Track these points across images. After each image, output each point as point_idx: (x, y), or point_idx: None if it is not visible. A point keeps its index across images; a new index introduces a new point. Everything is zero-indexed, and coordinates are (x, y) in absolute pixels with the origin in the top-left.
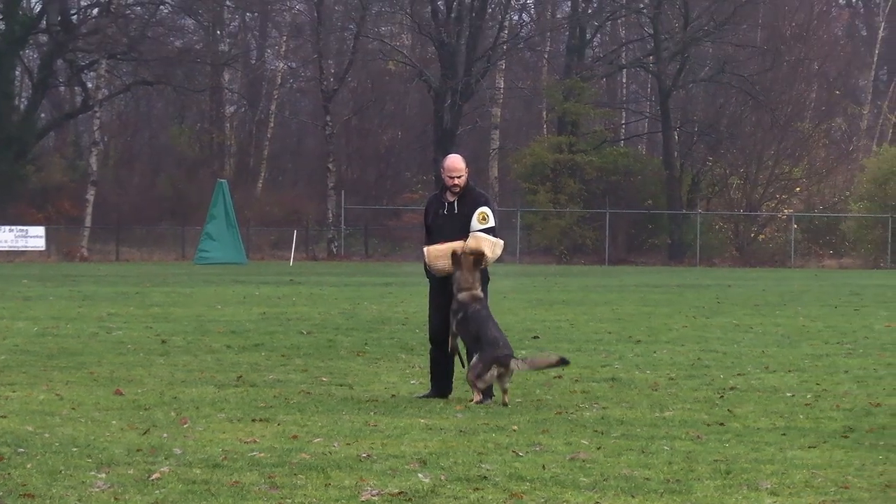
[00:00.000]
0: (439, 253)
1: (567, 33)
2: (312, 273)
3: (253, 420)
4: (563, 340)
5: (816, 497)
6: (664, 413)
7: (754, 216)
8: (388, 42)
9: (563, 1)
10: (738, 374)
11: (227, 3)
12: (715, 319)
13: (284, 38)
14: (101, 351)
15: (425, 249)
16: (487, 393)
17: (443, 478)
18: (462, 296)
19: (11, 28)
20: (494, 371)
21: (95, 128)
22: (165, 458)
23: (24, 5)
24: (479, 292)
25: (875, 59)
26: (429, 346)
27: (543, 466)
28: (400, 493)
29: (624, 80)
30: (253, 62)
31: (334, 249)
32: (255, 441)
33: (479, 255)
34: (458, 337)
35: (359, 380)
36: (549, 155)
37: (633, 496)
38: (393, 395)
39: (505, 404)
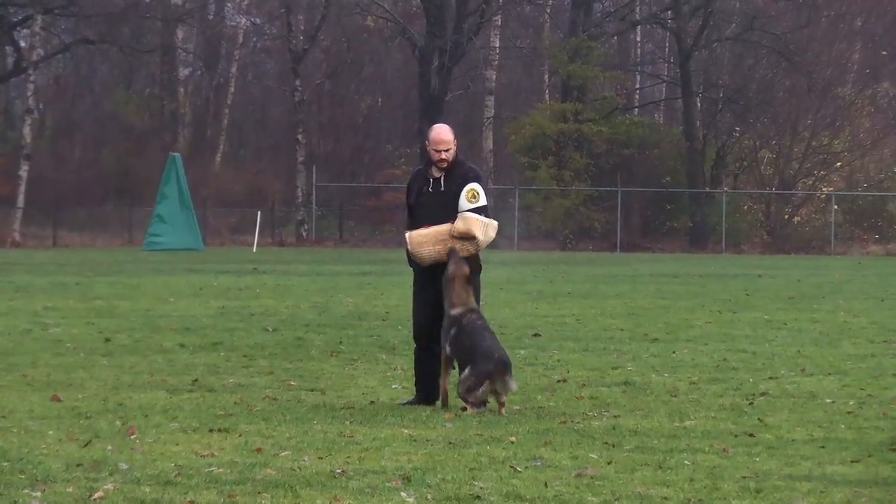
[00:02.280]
0: (424, 238)
1: None
2: (279, 261)
3: (210, 430)
4: (567, 339)
5: None
6: (685, 422)
7: (788, 195)
8: None
9: None
10: (770, 378)
11: None
12: (743, 314)
13: None
14: (36, 350)
15: (408, 235)
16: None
17: (429, 497)
18: (455, 311)
19: None
20: (488, 387)
21: (29, 93)
22: (110, 474)
23: None
24: (473, 304)
25: None
26: (413, 345)
27: (546, 484)
28: None
29: (638, 39)
30: (210, 17)
31: (304, 233)
32: (212, 454)
33: (467, 274)
34: (452, 360)
35: (332, 384)
36: (551, 125)
37: None
38: (372, 402)
39: (501, 413)
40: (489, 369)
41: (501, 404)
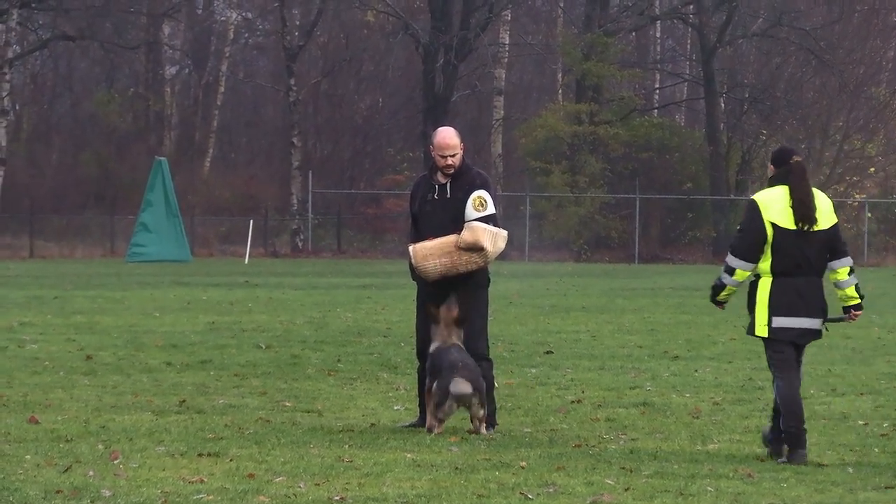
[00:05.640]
0: (429, 251)
1: None
2: (272, 273)
3: (199, 454)
4: (582, 356)
5: None
6: (707, 446)
7: None
8: None
9: None
10: None
11: None
12: None
13: None
14: (11, 369)
15: (411, 248)
16: (491, 422)
17: None
18: (432, 347)
19: None
20: (453, 403)
21: (5, 94)
22: (91, 502)
23: None
24: (454, 341)
25: None
26: (416, 363)
27: None
28: None
29: (658, 35)
30: (199, 12)
31: (299, 243)
32: (201, 480)
33: (456, 318)
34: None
35: (330, 405)
36: (565, 127)
37: None
38: (372, 424)
39: (476, 431)
40: (450, 379)
41: (480, 420)
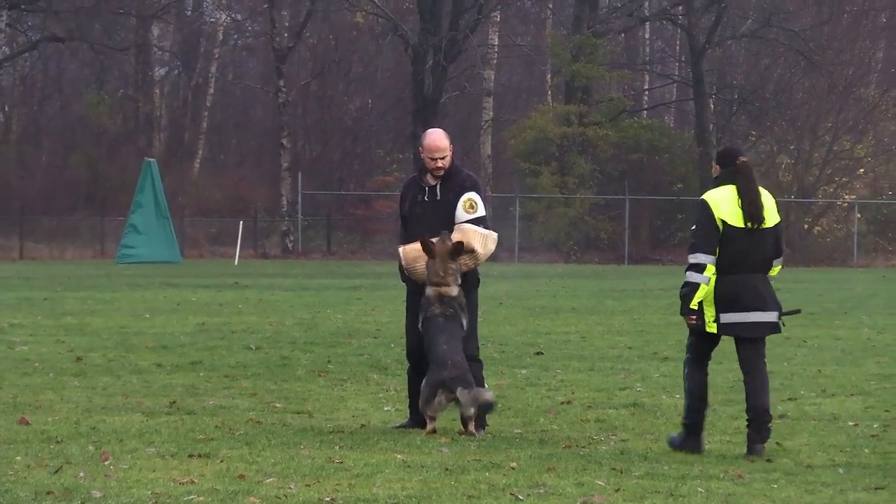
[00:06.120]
0: (419, 253)
1: None
2: (262, 274)
3: (190, 455)
4: (572, 357)
5: None
6: None
7: (808, 204)
8: None
9: None
10: (789, 399)
11: None
12: None
13: None
14: (1, 370)
15: (401, 249)
16: (481, 423)
17: None
18: (429, 291)
19: None
20: (442, 398)
21: None
22: (82, 503)
23: None
24: (450, 289)
25: None
26: (406, 364)
27: None
28: None
29: (647, 36)
30: (188, 13)
31: (289, 245)
32: (192, 481)
33: (450, 249)
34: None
35: (320, 406)
36: (554, 128)
37: None
38: (362, 425)
39: (471, 434)
40: (441, 378)
41: (468, 419)
